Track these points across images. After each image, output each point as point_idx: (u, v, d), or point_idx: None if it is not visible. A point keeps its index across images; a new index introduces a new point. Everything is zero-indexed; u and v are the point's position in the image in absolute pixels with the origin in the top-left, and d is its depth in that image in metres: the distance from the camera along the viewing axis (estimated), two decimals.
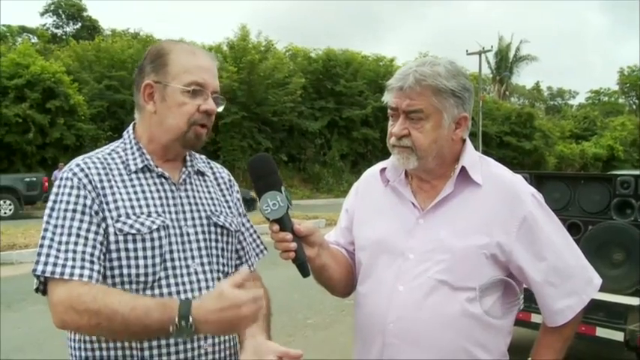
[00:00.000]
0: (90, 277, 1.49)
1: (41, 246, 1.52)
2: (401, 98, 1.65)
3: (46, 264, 1.49)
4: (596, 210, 4.74)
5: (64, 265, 1.48)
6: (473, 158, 1.75)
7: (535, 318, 4.21)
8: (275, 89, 29.51)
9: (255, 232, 1.91)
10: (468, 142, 1.77)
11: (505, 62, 51.19)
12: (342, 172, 32.78)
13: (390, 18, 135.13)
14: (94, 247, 1.52)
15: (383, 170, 1.85)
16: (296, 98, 30.51)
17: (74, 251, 1.50)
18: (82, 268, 1.49)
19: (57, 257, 1.49)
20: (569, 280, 1.71)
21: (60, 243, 1.50)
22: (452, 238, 1.66)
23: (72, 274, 1.47)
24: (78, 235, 1.51)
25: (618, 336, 4.13)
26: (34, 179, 19.82)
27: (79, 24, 40.28)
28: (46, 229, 1.53)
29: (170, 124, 1.64)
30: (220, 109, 1.70)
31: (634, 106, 64.93)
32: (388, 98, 1.71)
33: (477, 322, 1.66)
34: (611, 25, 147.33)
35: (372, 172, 1.93)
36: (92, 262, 1.51)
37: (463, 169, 1.71)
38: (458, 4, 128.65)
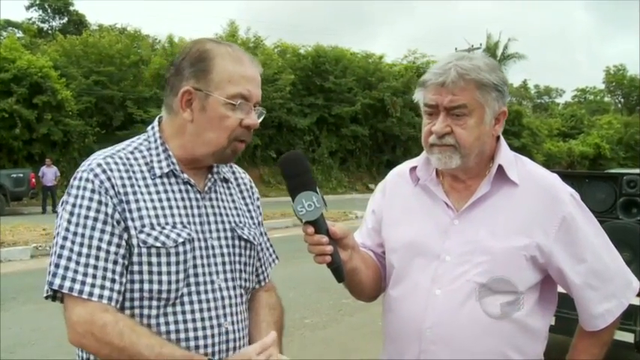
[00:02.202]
0: (110, 298, 1.40)
1: (60, 256, 1.41)
2: (442, 94, 1.57)
3: (64, 278, 1.40)
4: (602, 209, 4.66)
5: (83, 282, 1.39)
6: (508, 156, 1.68)
7: None
8: (264, 85, 28.77)
9: (268, 239, 1.83)
10: (502, 140, 1.71)
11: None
12: (330, 169, 32.74)
13: (378, 15, 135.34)
14: (115, 262, 1.42)
15: (413, 169, 1.77)
16: (285, 95, 30.39)
17: (95, 267, 1.40)
18: (102, 288, 1.40)
19: (76, 272, 1.40)
20: (609, 282, 1.65)
21: (80, 255, 1.40)
22: (491, 240, 1.60)
23: (91, 294, 1.39)
24: (99, 249, 1.41)
25: (628, 337, 4.10)
26: (21, 175, 19.60)
27: (66, 18, 39.83)
28: (65, 237, 1.42)
29: (210, 138, 1.52)
30: (260, 120, 1.58)
31: (619, 105, 65.54)
32: (422, 95, 1.63)
33: (516, 327, 1.61)
34: (598, 24, 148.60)
35: (399, 171, 1.85)
36: (113, 281, 1.41)
37: (500, 167, 1.64)
38: (447, 2, 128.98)
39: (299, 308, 6.96)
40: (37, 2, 39.36)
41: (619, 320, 1.70)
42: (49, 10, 39.80)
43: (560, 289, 1.72)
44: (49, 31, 37.98)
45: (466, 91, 1.56)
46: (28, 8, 39.55)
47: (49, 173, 20.10)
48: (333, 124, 33.32)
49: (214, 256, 1.56)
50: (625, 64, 68.94)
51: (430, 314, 1.61)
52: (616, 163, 41.85)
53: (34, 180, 19.80)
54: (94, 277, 1.40)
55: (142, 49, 29.43)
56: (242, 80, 1.52)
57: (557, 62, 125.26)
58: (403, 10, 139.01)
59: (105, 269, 1.41)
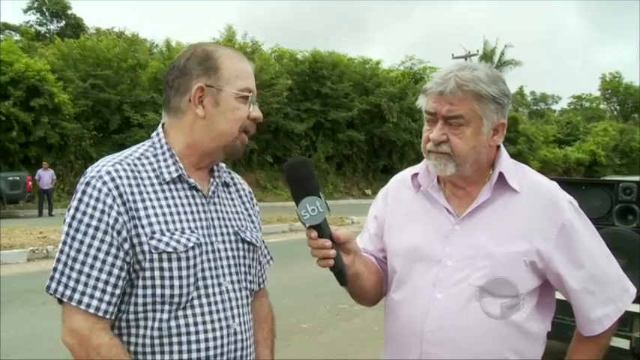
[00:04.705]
0: (97, 308, 1.44)
1: (58, 260, 1.47)
2: (441, 103, 1.60)
3: (58, 283, 1.45)
4: (598, 216, 4.68)
5: (74, 289, 1.44)
6: (509, 164, 1.72)
7: None
8: (261, 90, 29.18)
9: (263, 242, 1.86)
10: (503, 148, 1.74)
11: None
12: (327, 174, 32.73)
13: (375, 20, 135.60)
14: (109, 273, 1.45)
15: (415, 175, 1.81)
16: (282, 99, 30.40)
17: (88, 275, 1.44)
18: (92, 297, 1.44)
19: (69, 278, 1.44)
20: (606, 288, 1.69)
21: (75, 261, 1.44)
22: (492, 245, 1.63)
23: (80, 302, 1.43)
24: (95, 258, 1.45)
25: (624, 343, 4.12)
26: (18, 178, 19.58)
27: (63, 22, 39.75)
28: (64, 242, 1.47)
29: (222, 130, 1.57)
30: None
31: (615, 112, 65.73)
32: (424, 102, 1.67)
33: (516, 330, 1.64)
34: (593, 31, 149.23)
35: (401, 178, 1.89)
36: (103, 292, 1.44)
37: (500, 174, 1.68)
38: (442, 8, 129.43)
39: (295, 313, 6.97)
40: (35, 5, 39.29)
41: (616, 325, 1.73)
42: (46, 14, 39.72)
43: (557, 295, 1.75)
44: (47, 35, 37.91)
45: (464, 102, 1.59)
46: (26, 11, 39.48)
47: (46, 176, 20.08)
48: (330, 129, 33.35)
49: (220, 259, 1.60)
50: (620, 71, 69.35)
51: (431, 317, 1.64)
52: (611, 170, 41.97)
53: (30, 183, 19.78)
54: (86, 285, 1.44)
55: (139, 53, 29.39)
56: (247, 75, 1.61)
57: (553, 69, 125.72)
58: (399, 16, 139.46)
59: (97, 279, 1.44)
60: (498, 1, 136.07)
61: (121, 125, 26.27)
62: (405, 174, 1.87)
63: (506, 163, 1.71)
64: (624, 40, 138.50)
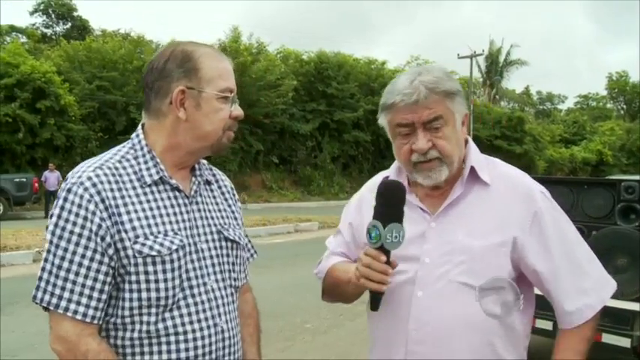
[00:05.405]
0: (84, 314, 1.44)
1: (43, 269, 1.47)
2: (417, 112, 1.62)
3: (44, 291, 1.45)
4: (600, 215, 4.68)
5: (60, 297, 1.44)
6: (479, 158, 1.75)
7: (539, 324, 4.19)
8: (267, 91, 29.37)
9: (246, 235, 1.86)
10: (471, 142, 1.77)
11: (495, 66, 51.44)
12: (333, 175, 32.75)
13: (381, 20, 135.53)
14: (95, 279, 1.45)
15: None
16: (287, 100, 30.42)
17: (74, 282, 1.44)
18: (78, 304, 1.44)
19: (55, 286, 1.45)
20: (583, 278, 1.68)
21: (60, 269, 1.45)
22: (469, 239, 1.65)
23: (66, 309, 1.44)
24: (80, 265, 1.45)
25: (625, 342, 4.09)
26: (24, 180, 19.65)
27: (69, 24, 39.88)
28: (49, 251, 1.47)
29: (207, 131, 1.58)
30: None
31: (622, 112, 65.47)
32: (389, 117, 1.68)
33: (498, 325, 1.64)
34: (599, 31, 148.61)
35: (372, 184, 1.90)
36: (90, 298, 1.45)
37: (472, 169, 1.70)
38: (449, 9, 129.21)
39: (299, 313, 7.00)
40: (41, 8, 39.44)
41: (599, 316, 1.72)
42: (52, 16, 39.86)
43: None
44: (53, 37, 38.05)
45: (439, 103, 1.62)
46: (32, 14, 39.62)
47: (52, 178, 20.16)
48: (335, 130, 33.35)
49: (204, 258, 1.60)
50: (627, 70, 68.92)
51: (414, 316, 1.66)
52: (618, 170, 41.75)
53: (37, 185, 19.85)
54: (72, 292, 1.44)
55: (145, 55, 29.39)
56: (228, 75, 1.61)
57: (560, 68, 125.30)
58: (405, 16, 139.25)
59: (83, 285, 1.44)
60: (504, 1, 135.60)
61: (127, 127, 26.26)
62: (377, 179, 1.89)
63: (477, 158, 1.74)
64: (631, 40, 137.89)
